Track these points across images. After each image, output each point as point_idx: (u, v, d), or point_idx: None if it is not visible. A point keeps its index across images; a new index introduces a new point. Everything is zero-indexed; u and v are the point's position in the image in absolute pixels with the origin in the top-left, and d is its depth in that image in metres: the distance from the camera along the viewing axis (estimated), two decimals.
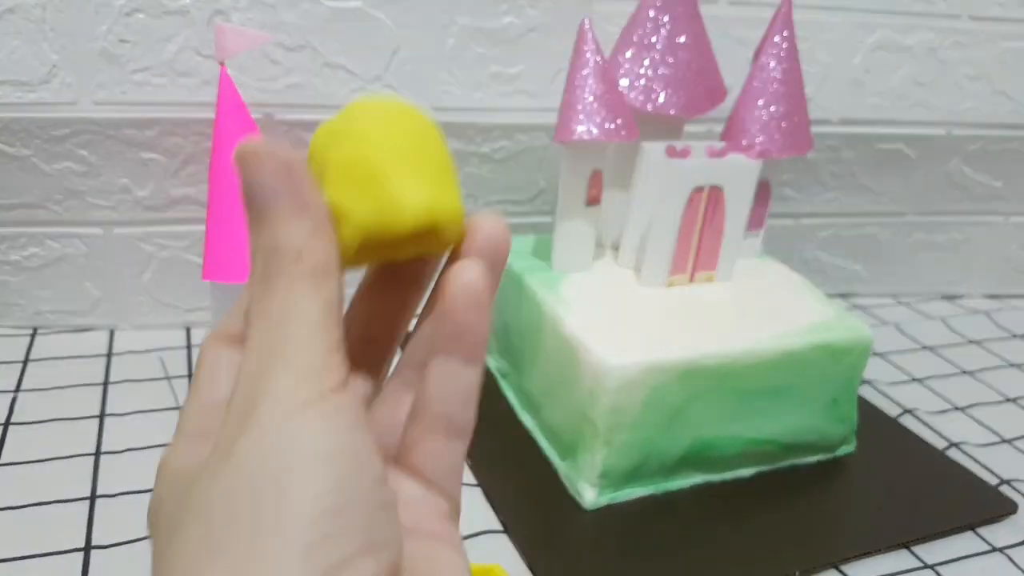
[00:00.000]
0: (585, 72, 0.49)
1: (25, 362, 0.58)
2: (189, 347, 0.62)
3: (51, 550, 0.42)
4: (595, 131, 0.49)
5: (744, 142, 0.55)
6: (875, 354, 0.69)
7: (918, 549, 0.47)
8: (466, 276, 0.21)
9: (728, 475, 0.51)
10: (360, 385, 0.24)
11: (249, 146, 0.19)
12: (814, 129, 0.59)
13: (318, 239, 0.20)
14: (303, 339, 0.19)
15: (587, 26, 0.49)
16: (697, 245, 0.53)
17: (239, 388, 0.19)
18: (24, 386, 0.55)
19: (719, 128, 0.59)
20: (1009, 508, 0.51)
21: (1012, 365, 0.70)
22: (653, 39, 0.53)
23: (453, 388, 0.22)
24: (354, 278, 0.24)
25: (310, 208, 0.20)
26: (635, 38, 0.53)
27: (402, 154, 0.21)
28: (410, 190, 0.21)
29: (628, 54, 0.53)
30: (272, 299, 0.19)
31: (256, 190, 0.20)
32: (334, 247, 0.20)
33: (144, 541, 0.43)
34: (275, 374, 0.18)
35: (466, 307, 0.21)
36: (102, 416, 0.53)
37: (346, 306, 0.23)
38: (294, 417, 0.18)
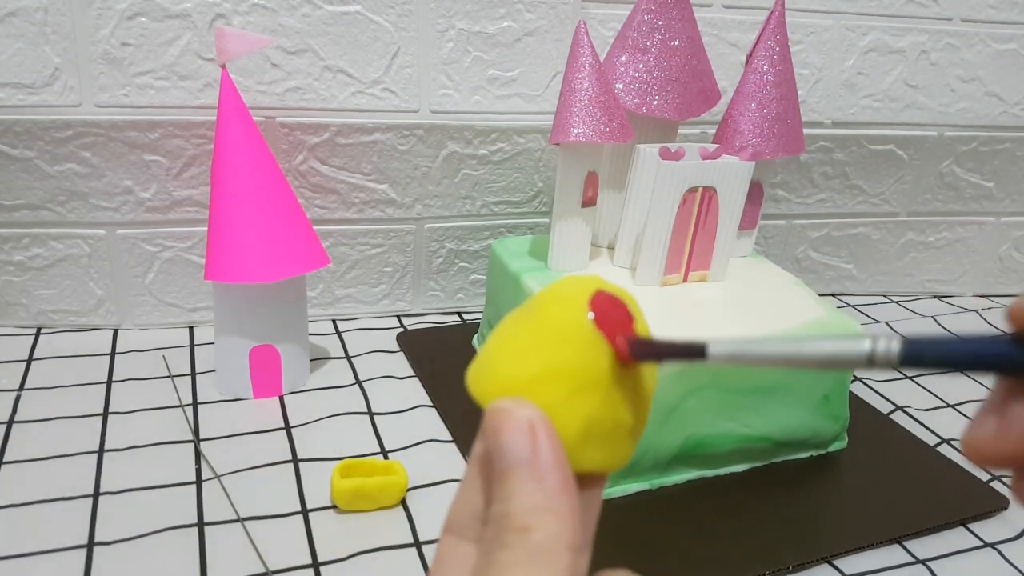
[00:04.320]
0: (581, 75, 0.49)
1: (29, 361, 0.58)
2: (192, 346, 0.62)
3: (54, 547, 0.42)
4: (591, 133, 0.49)
5: (737, 144, 0.55)
6: None
7: (910, 544, 0.48)
8: None
9: (722, 471, 0.52)
10: None
11: (499, 404, 0.20)
12: (807, 131, 0.59)
13: (549, 515, 0.18)
14: None
15: (583, 29, 0.49)
16: (691, 245, 0.54)
17: None
18: (28, 384, 0.56)
19: (713, 130, 0.59)
20: (1000, 504, 0.51)
21: None
22: (648, 42, 0.53)
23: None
24: None
25: (547, 478, 0.19)
26: (630, 41, 0.54)
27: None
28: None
29: (623, 57, 0.54)
30: (498, 571, 0.18)
31: (497, 450, 0.19)
32: (569, 524, 0.18)
33: (146, 537, 0.43)
34: None
35: None
36: (105, 414, 0.53)
37: None
38: None
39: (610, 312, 0.21)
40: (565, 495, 0.19)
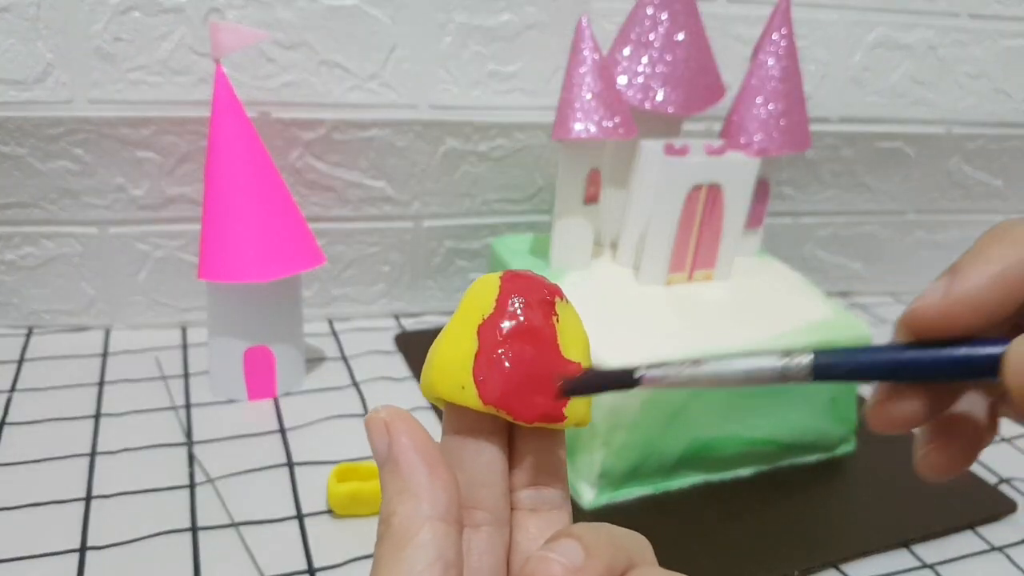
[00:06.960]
0: (583, 70, 0.49)
1: (20, 361, 0.58)
2: (185, 347, 0.61)
3: (46, 551, 0.41)
4: (593, 129, 0.48)
5: (742, 140, 0.54)
6: None
7: (918, 548, 0.47)
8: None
9: (727, 475, 0.51)
10: None
11: (370, 413, 0.21)
12: (813, 127, 0.59)
13: (405, 495, 0.19)
14: None
15: (585, 23, 0.49)
16: (696, 243, 0.53)
17: None
18: (19, 386, 0.55)
19: (717, 126, 0.59)
20: (1008, 507, 0.51)
21: None
22: (651, 36, 0.52)
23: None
24: None
25: (400, 463, 0.20)
26: (633, 36, 0.53)
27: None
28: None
29: (626, 52, 0.53)
30: (374, 568, 0.19)
31: (375, 458, 0.21)
32: (426, 498, 0.19)
33: (139, 541, 0.42)
34: None
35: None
36: (97, 416, 0.52)
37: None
38: None
39: (521, 280, 0.23)
40: (420, 472, 0.20)
